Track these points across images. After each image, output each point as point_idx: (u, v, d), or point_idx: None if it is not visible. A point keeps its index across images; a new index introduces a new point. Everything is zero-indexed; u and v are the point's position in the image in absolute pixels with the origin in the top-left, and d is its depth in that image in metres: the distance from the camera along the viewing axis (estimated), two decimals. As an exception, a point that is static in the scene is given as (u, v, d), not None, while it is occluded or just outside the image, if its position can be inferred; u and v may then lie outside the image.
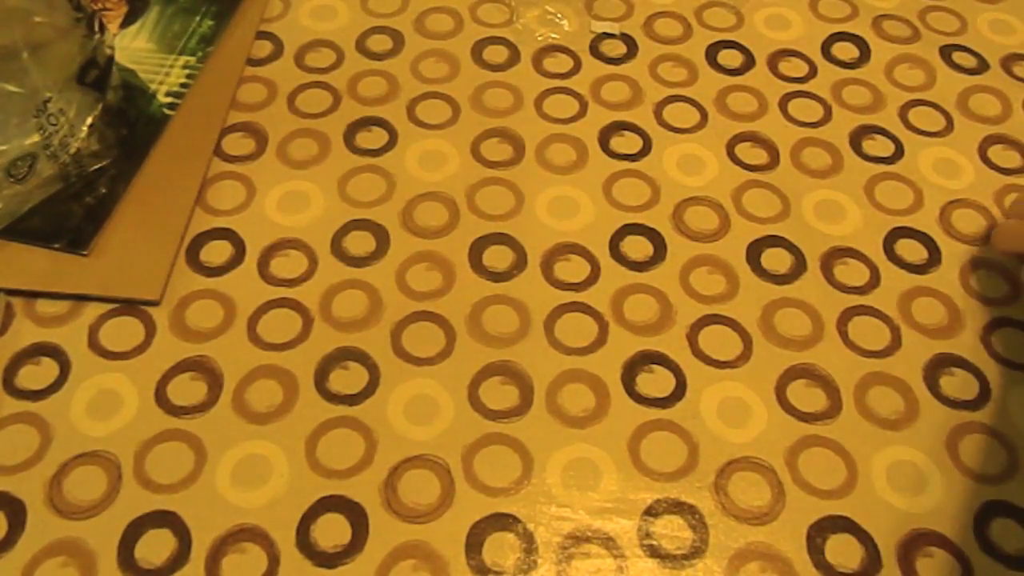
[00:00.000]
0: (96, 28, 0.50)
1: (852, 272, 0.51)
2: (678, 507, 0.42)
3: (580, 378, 0.46)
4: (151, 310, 0.48)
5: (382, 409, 0.45)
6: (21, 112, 0.48)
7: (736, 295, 0.49)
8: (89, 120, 0.51)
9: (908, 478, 0.43)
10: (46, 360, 0.46)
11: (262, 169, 0.54)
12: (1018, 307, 0.50)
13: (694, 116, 0.57)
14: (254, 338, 0.47)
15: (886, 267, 0.51)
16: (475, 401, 0.45)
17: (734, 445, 0.44)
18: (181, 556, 0.40)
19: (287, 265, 0.50)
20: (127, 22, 0.60)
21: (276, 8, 0.63)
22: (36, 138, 0.48)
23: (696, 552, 0.41)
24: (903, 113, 0.58)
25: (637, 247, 0.51)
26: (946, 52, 0.62)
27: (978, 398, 0.46)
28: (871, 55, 0.62)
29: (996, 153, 0.56)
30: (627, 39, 0.62)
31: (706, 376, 0.46)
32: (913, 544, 0.42)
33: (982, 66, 0.61)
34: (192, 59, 0.58)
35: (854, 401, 0.46)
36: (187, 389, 0.45)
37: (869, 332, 0.48)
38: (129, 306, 0.48)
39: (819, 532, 0.42)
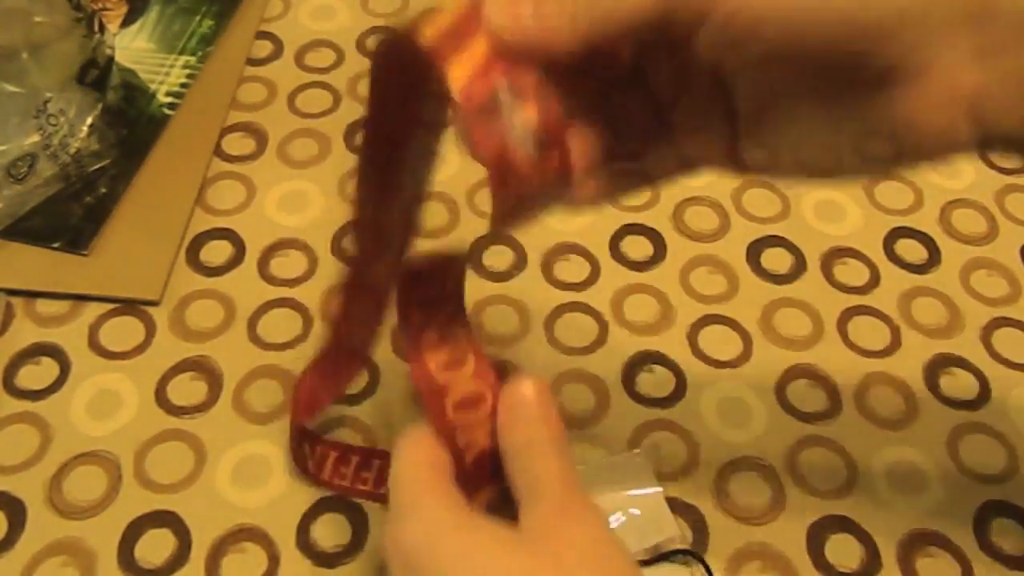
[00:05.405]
0: (96, 28, 0.50)
1: (852, 272, 0.51)
2: (678, 507, 0.42)
3: (580, 378, 0.46)
4: (151, 310, 0.48)
5: (382, 408, 0.45)
6: (21, 112, 0.48)
7: (736, 295, 0.49)
8: (89, 120, 0.51)
9: (908, 478, 0.43)
10: (46, 360, 0.46)
11: (262, 169, 0.54)
12: (1018, 307, 0.50)
13: (694, 116, 0.57)
14: (254, 338, 0.47)
15: (886, 267, 0.51)
16: (475, 401, 0.45)
17: (734, 445, 0.44)
18: (181, 556, 0.40)
19: (287, 265, 0.50)
20: (127, 22, 0.60)
21: (276, 8, 0.63)
22: (36, 138, 0.48)
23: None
24: (903, 113, 0.58)
25: (637, 247, 0.51)
26: (946, 52, 0.62)
27: (978, 398, 0.46)
28: (871, 55, 0.61)
29: (996, 153, 0.56)
30: (627, 39, 0.62)
31: (706, 376, 0.46)
32: (913, 544, 0.42)
33: (982, 66, 0.61)
34: (192, 59, 0.58)
35: (854, 401, 0.46)
36: (187, 389, 0.45)
37: (869, 332, 0.48)
38: (129, 306, 0.48)
39: (819, 532, 0.42)
